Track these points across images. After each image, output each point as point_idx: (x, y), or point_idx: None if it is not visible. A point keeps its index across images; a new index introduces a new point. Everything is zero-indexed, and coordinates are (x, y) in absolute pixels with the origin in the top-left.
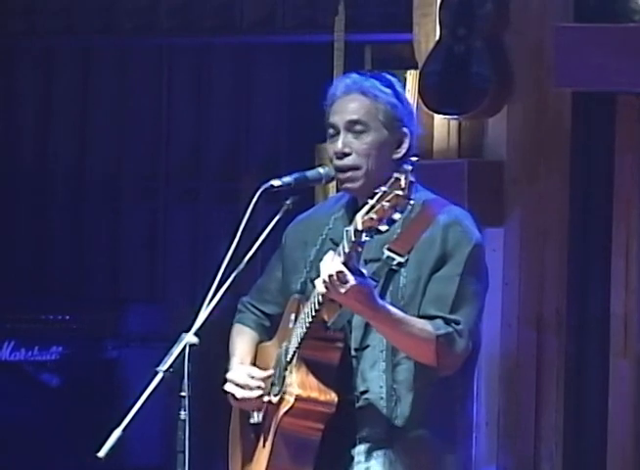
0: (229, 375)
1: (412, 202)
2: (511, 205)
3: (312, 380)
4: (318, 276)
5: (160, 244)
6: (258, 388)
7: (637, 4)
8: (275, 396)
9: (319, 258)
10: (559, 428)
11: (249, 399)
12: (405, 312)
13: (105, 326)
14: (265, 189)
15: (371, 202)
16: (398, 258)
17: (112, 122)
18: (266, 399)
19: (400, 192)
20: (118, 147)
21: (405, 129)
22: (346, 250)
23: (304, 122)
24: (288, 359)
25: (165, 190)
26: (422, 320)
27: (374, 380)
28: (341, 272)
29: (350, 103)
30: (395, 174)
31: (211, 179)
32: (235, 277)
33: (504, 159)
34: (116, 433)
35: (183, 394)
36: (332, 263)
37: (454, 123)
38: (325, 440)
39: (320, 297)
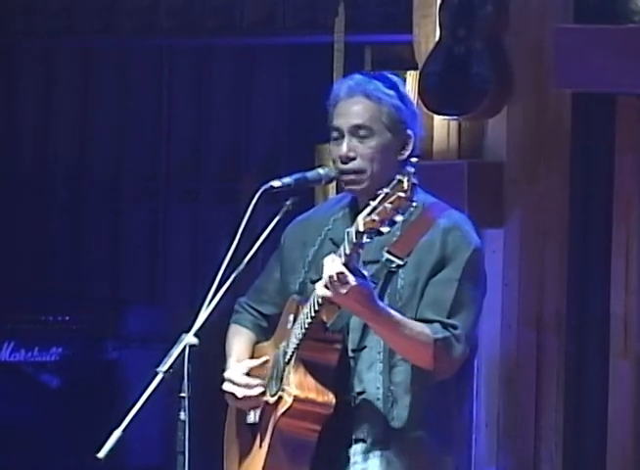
0: (227, 374)
1: (414, 204)
2: (511, 205)
3: (310, 381)
4: (317, 277)
5: (160, 244)
6: (258, 385)
7: (637, 5)
8: (272, 396)
9: (318, 259)
10: (559, 428)
11: (248, 398)
12: (403, 315)
13: (105, 327)
14: (265, 190)
15: (373, 203)
16: (397, 261)
17: (112, 123)
18: (264, 398)
19: (403, 194)
20: (119, 147)
21: (409, 131)
22: (347, 251)
23: (304, 123)
24: (286, 360)
25: (165, 190)
26: (420, 324)
27: (371, 381)
28: (341, 273)
29: (354, 106)
30: (398, 176)
31: (211, 180)
32: (235, 278)
33: (504, 159)
34: (116, 433)
35: (183, 394)
36: (333, 264)
37: (454, 124)
38: (322, 440)
39: (319, 299)
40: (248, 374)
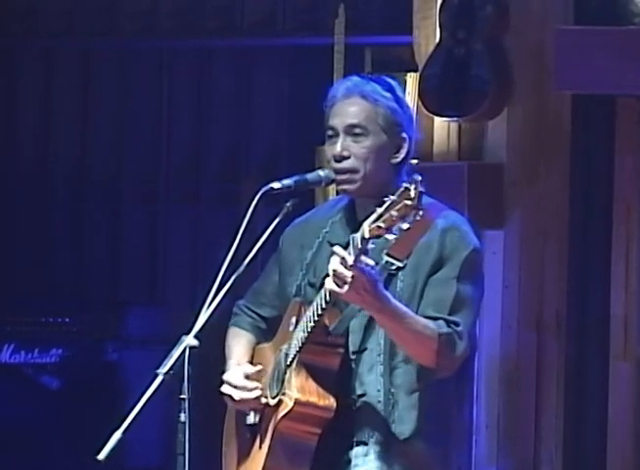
0: (226, 376)
1: (421, 212)
2: (511, 207)
3: (312, 384)
4: (314, 279)
5: (160, 246)
6: (256, 388)
7: (637, 6)
8: (273, 398)
9: (315, 262)
10: (559, 430)
11: (247, 400)
12: None
13: (105, 328)
14: (265, 191)
15: (379, 210)
16: (397, 263)
17: (112, 124)
18: (264, 400)
19: (409, 202)
20: (119, 149)
21: (404, 134)
22: (352, 256)
23: (305, 125)
24: (287, 363)
25: (165, 192)
26: (425, 319)
27: (371, 383)
28: (343, 259)
29: (350, 106)
30: (405, 184)
31: (212, 181)
32: (235, 280)
33: (504, 161)
34: (117, 435)
35: (183, 396)
36: (335, 259)
37: (454, 126)
38: (322, 442)
39: (324, 302)
40: (247, 377)
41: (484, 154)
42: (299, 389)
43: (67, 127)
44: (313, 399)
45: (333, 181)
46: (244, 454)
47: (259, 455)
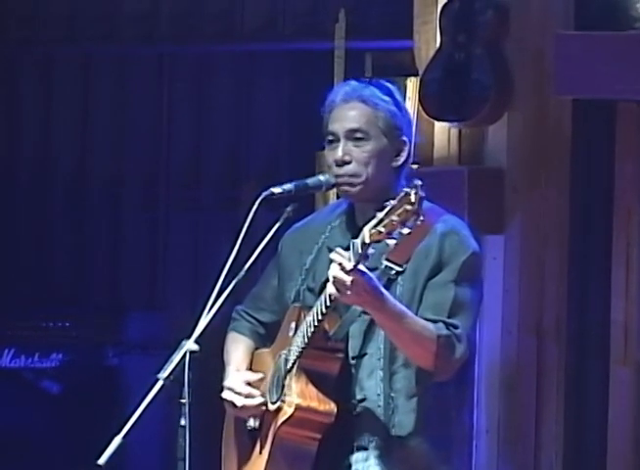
0: (227, 383)
1: (422, 218)
2: (511, 212)
3: (312, 390)
4: (313, 285)
5: (161, 252)
6: (258, 395)
7: (638, 12)
8: (273, 403)
9: (315, 267)
10: (559, 435)
11: (248, 407)
12: None
13: (105, 333)
14: (265, 196)
15: (379, 215)
16: (396, 268)
17: (112, 130)
18: (264, 406)
19: (410, 207)
20: (119, 154)
21: (404, 138)
22: (352, 262)
23: (305, 129)
24: (288, 368)
25: (166, 197)
26: (424, 320)
27: (371, 388)
28: (341, 264)
29: (350, 111)
30: (405, 189)
31: (212, 187)
32: (235, 285)
33: (504, 166)
34: (117, 440)
35: (183, 401)
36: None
37: (454, 131)
38: (323, 447)
39: (324, 307)
40: (248, 384)
41: (485, 158)
42: (300, 394)
43: (67, 133)
44: (314, 404)
45: (333, 186)
46: (244, 460)
47: (260, 461)
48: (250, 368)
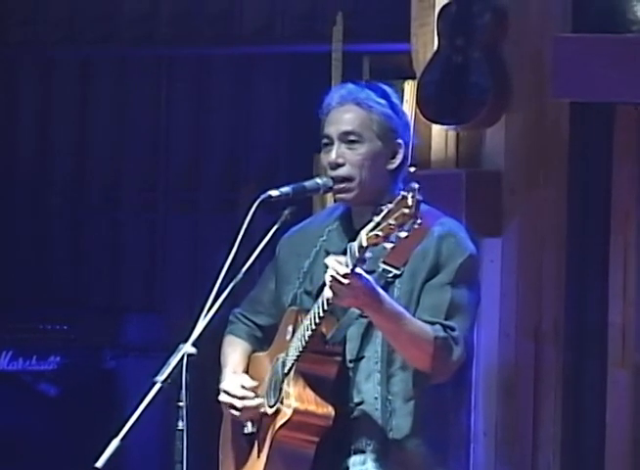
0: (223, 385)
1: (419, 221)
2: (509, 215)
3: (309, 393)
4: (311, 288)
5: (159, 254)
6: (255, 398)
7: (636, 15)
8: (271, 407)
9: (312, 271)
10: (557, 438)
11: (245, 410)
12: None
13: (103, 336)
14: (263, 199)
15: (376, 219)
16: (394, 271)
17: (110, 132)
18: (262, 410)
19: (407, 210)
20: (117, 157)
21: (400, 140)
22: (349, 265)
23: (303, 132)
24: (285, 371)
25: (164, 200)
26: (422, 322)
27: (369, 391)
28: (340, 268)
29: (345, 114)
30: (402, 192)
31: (210, 189)
32: (233, 287)
33: (502, 169)
34: (115, 443)
35: (181, 403)
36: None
37: (452, 133)
38: (320, 450)
39: (321, 310)
40: (244, 388)
41: (482, 161)
42: (298, 397)
43: (65, 134)
44: (312, 407)
45: (331, 189)
46: (241, 463)
47: (258, 464)
48: (246, 371)
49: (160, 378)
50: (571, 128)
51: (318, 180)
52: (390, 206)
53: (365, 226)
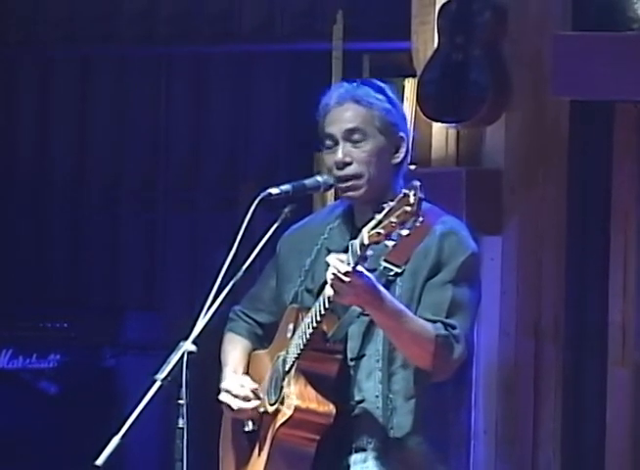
0: (224, 385)
1: (421, 219)
2: (509, 213)
3: (311, 391)
4: (312, 286)
5: (159, 252)
6: (255, 398)
7: (636, 13)
8: (271, 405)
9: (314, 269)
10: (557, 436)
11: (245, 410)
12: None
13: (103, 334)
14: (263, 197)
15: (378, 217)
16: (395, 269)
17: (110, 131)
18: (262, 408)
19: (409, 208)
20: (117, 155)
21: (402, 134)
22: (351, 263)
23: (303, 130)
24: (286, 369)
25: (164, 198)
26: (423, 320)
27: (370, 390)
28: (341, 266)
29: (345, 112)
30: (404, 190)
31: (210, 188)
32: (233, 285)
33: (502, 167)
34: (115, 441)
35: (181, 401)
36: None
37: (452, 131)
38: (321, 449)
39: (322, 308)
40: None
41: (482, 159)
42: (299, 395)
43: (65, 134)
44: (313, 405)
45: (331, 187)
46: (242, 462)
47: (259, 463)
48: (247, 370)
49: (160, 376)
50: (571, 126)
51: (318, 178)
52: (392, 203)
53: (367, 224)
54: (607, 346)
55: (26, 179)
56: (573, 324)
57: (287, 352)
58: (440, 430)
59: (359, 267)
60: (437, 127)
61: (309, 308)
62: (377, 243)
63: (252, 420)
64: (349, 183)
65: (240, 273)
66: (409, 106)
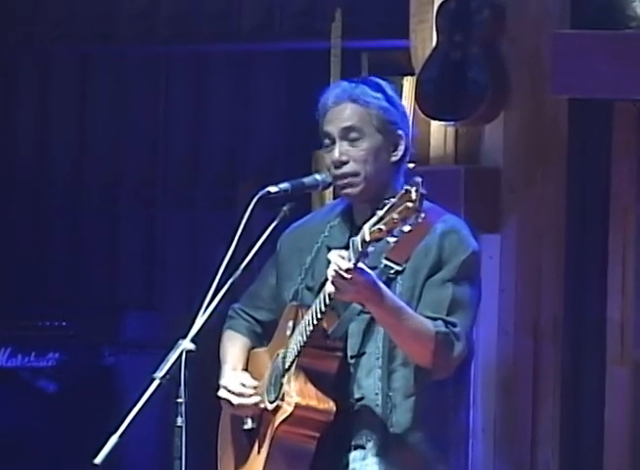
0: (223, 382)
1: (422, 215)
2: (507, 211)
3: (311, 388)
4: (312, 284)
5: (158, 251)
6: (254, 394)
7: (634, 11)
8: (271, 402)
9: (314, 267)
10: (555, 435)
11: (244, 407)
12: None
13: (102, 333)
14: (262, 196)
15: (380, 213)
16: (396, 267)
17: (109, 130)
18: (262, 405)
19: (411, 204)
20: (116, 154)
21: (400, 132)
22: (352, 260)
23: (302, 129)
24: (286, 367)
25: (163, 197)
26: (423, 317)
27: (370, 387)
28: (342, 262)
29: (342, 111)
30: (406, 186)
31: (209, 186)
32: (232, 284)
33: (501, 165)
34: (113, 439)
35: (180, 400)
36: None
37: (451, 130)
38: (320, 446)
39: (323, 305)
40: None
41: (481, 158)
42: (299, 393)
43: (64, 133)
44: (313, 402)
45: (330, 185)
46: (241, 459)
47: (258, 460)
48: (246, 367)
49: (159, 374)
50: (570, 125)
51: (317, 176)
52: (394, 200)
53: (368, 221)
54: (605, 344)
55: (26, 179)
56: (572, 322)
57: (286, 350)
58: (440, 428)
59: (360, 264)
60: (436, 126)
61: (309, 306)
62: (378, 239)
63: (252, 418)
64: (346, 181)
65: (239, 271)
66: (408, 104)
